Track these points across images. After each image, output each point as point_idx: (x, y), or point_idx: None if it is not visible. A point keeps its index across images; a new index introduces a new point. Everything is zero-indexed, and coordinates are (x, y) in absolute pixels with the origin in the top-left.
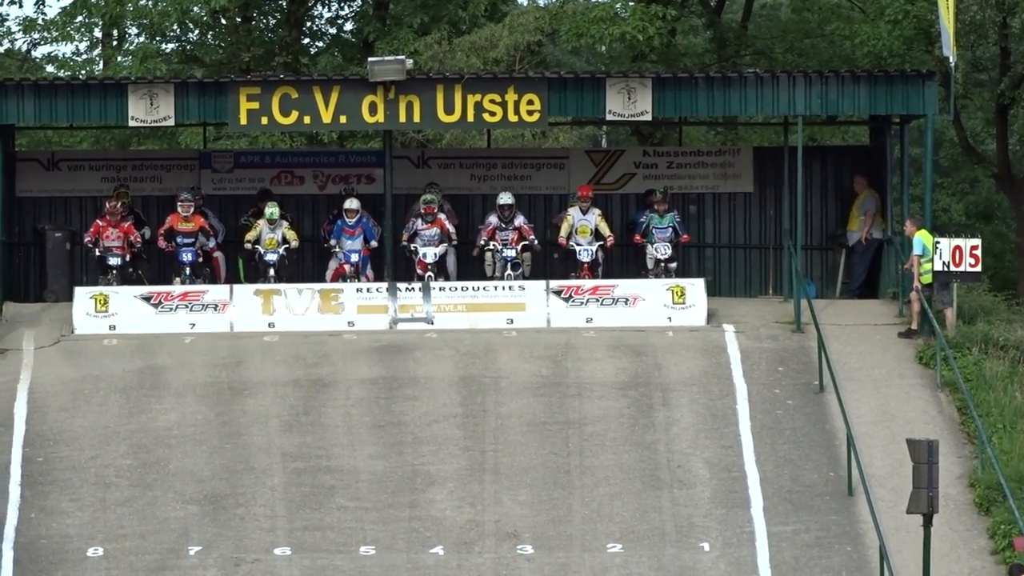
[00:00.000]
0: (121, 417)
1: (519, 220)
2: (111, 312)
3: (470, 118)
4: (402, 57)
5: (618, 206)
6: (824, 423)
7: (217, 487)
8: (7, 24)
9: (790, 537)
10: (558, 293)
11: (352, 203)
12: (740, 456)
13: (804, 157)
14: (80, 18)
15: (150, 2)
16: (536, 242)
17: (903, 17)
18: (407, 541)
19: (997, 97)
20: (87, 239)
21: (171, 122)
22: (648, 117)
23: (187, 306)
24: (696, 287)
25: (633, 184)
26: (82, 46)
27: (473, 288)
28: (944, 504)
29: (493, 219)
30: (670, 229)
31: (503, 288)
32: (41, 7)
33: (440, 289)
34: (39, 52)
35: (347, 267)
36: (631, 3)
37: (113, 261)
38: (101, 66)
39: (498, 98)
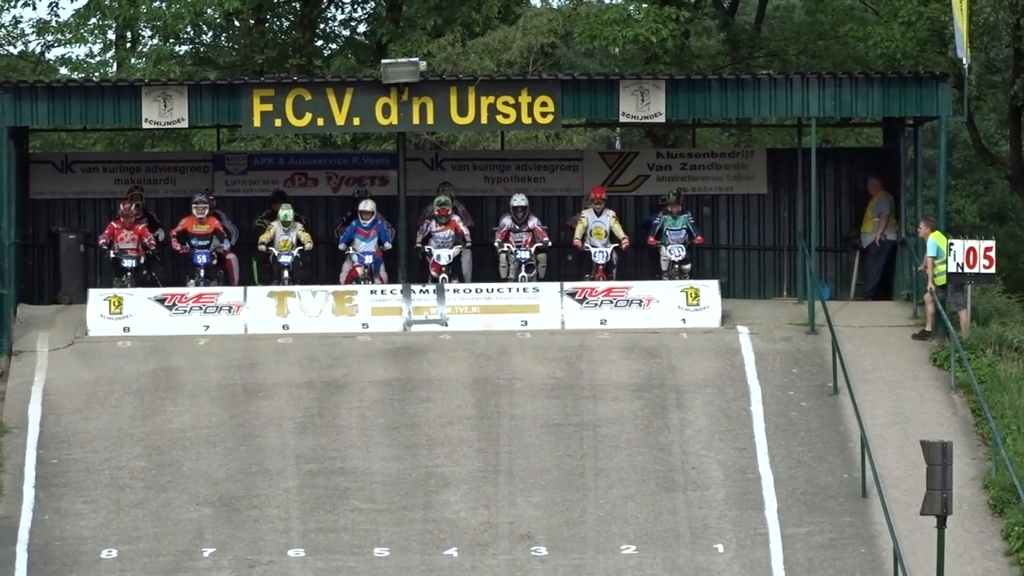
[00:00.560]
0: (135, 419)
1: (533, 222)
2: (125, 314)
3: (484, 120)
4: (416, 59)
5: (632, 208)
6: (838, 425)
7: (231, 489)
8: (21, 26)
9: (804, 539)
10: (572, 295)
11: (368, 205)
12: (754, 458)
13: (818, 159)
14: (94, 20)
15: (164, 4)
16: (549, 242)
17: (916, 19)
18: (421, 543)
19: (1011, 98)
20: (101, 241)
21: (185, 124)
22: (662, 119)
23: (201, 308)
24: (710, 289)
25: (647, 186)
26: (96, 48)
27: (487, 290)
28: (958, 506)
29: (507, 221)
30: (684, 231)
31: (517, 290)
32: (55, 9)
33: (454, 291)
34: (53, 54)
35: (361, 269)
36: (644, 5)
37: (127, 263)
38: (115, 68)
39: (512, 100)
